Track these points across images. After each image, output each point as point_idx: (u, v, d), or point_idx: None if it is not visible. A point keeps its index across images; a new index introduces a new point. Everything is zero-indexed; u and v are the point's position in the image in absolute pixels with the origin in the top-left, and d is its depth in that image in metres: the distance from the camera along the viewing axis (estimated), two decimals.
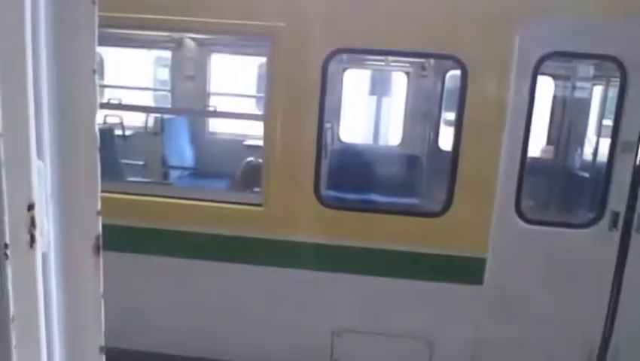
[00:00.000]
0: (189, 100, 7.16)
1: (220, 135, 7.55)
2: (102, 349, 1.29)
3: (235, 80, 8.25)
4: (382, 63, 6.41)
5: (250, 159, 6.44)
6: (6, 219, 0.94)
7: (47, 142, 1.06)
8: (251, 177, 6.18)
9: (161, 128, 6.57)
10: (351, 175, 5.48)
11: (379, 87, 7.28)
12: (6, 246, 0.95)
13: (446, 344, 3.96)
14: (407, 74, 6.58)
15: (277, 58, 3.76)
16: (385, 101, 7.48)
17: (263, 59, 7.84)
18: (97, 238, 1.23)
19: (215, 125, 7.61)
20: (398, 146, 6.79)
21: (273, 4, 3.82)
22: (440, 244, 3.82)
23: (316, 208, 3.86)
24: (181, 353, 4.11)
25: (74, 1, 1.08)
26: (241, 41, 6.10)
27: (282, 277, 3.96)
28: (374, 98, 7.36)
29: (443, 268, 3.86)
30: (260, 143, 6.77)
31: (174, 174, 6.65)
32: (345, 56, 5.79)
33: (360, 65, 6.73)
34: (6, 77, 0.91)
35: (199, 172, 6.97)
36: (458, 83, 3.77)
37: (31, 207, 1.02)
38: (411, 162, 6.35)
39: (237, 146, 7.10)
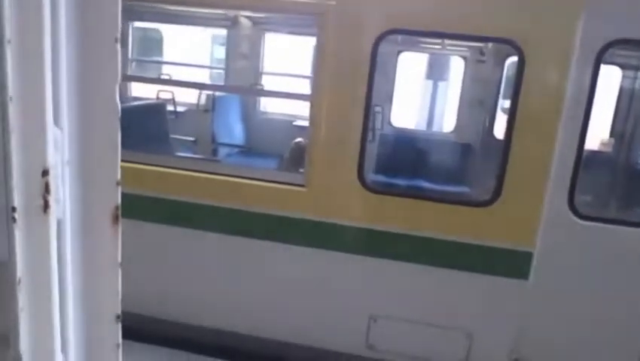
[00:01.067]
0: (242, 78, 7.20)
1: (271, 115, 7.57)
2: (118, 317, 1.30)
3: (288, 60, 8.23)
4: (439, 47, 6.22)
5: (299, 139, 6.43)
6: (14, 183, 0.95)
7: (65, 109, 1.05)
8: (299, 158, 6.18)
9: (212, 105, 6.64)
10: (399, 160, 5.37)
11: (433, 71, 7.08)
12: (14, 209, 0.95)
13: (486, 338, 3.85)
14: (464, 58, 6.36)
15: (325, 37, 3.69)
16: (439, 86, 7.28)
17: (314, 39, 7.84)
18: (116, 207, 1.23)
19: (266, 105, 7.64)
20: (451, 133, 6.60)
21: None
22: (486, 234, 3.68)
23: (359, 192, 3.80)
24: (214, 325, 4.18)
25: None
26: (294, 20, 6.06)
27: (321, 259, 3.94)
28: (428, 82, 7.18)
29: (488, 260, 3.72)
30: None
31: (223, 152, 6.73)
32: (399, 38, 5.65)
33: (415, 47, 6.55)
34: (22, 37, 0.91)
35: (249, 151, 7.03)
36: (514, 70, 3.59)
37: (45, 173, 1.02)
38: (464, 150, 6.16)
39: (287, 126, 7.11)
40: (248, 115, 7.40)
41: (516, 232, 3.66)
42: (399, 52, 6.30)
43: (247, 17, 6.63)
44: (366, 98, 3.69)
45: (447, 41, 5.75)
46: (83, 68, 1.08)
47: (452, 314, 3.89)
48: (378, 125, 5.65)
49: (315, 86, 3.85)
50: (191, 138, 6.50)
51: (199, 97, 6.69)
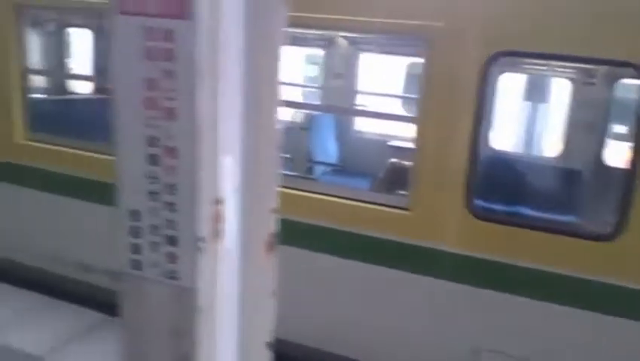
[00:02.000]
0: (337, 98, 7.25)
1: (366, 134, 7.56)
2: (269, 345, 1.29)
3: (382, 80, 8.21)
4: (545, 68, 5.95)
5: (394, 160, 6.36)
6: (201, 213, 0.96)
7: (235, 138, 1.07)
8: (395, 179, 6.12)
9: (309, 123, 6.72)
10: (503, 186, 5.16)
11: (537, 93, 6.78)
12: (200, 239, 0.97)
13: None
14: (572, 80, 6.04)
15: (433, 59, 3.62)
16: (542, 108, 6.97)
17: (412, 59, 7.77)
18: (271, 235, 1.23)
19: (361, 124, 7.64)
20: (556, 158, 6.26)
21: (432, 3, 3.69)
22: (606, 271, 3.42)
23: (466, 218, 3.67)
24: (315, 345, 4.15)
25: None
26: (392, 40, 6.02)
27: (422, 286, 3.83)
28: (531, 104, 6.88)
29: (607, 298, 3.46)
30: (406, 144, 6.74)
31: (318, 170, 6.78)
32: (502, 59, 5.47)
33: (519, 69, 6.31)
34: (209, 73, 0.93)
35: (343, 169, 7.04)
36: (631, 93, 3.33)
37: (219, 202, 1.04)
38: (571, 176, 5.82)
39: (381, 146, 7.06)
40: (343, 134, 7.43)
41: None
42: (500, 72, 6.09)
43: (344, 37, 6.69)
44: (474, 121, 3.57)
45: (553, 63, 5.48)
46: (249, 96, 1.09)
47: (562, 354, 3.64)
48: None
49: (421, 107, 3.78)
50: (287, 155, 6.60)
51: (296, 115, 6.80)
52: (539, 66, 6.12)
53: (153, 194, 0.98)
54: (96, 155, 4.58)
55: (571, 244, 3.54)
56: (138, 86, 0.93)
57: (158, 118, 0.93)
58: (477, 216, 3.68)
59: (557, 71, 6.15)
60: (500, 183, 5.19)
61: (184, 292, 0.99)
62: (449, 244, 3.74)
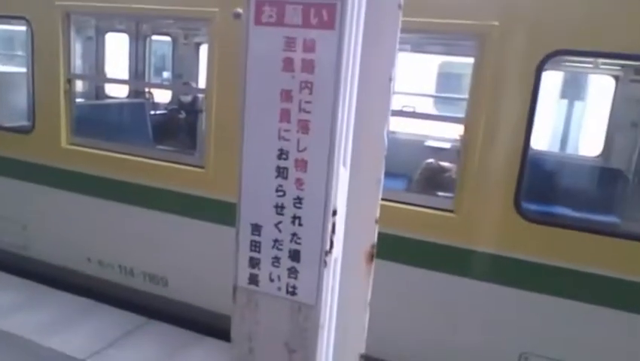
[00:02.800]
0: None
1: (400, 135, 7.48)
2: (362, 357, 1.27)
3: (421, 80, 8.14)
4: (590, 66, 5.82)
5: (430, 160, 6.29)
6: (326, 226, 0.95)
7: (349, 149, 1.05)
8: (430, 179, 6.05)
9: None
10: (548, 187, 5.05)
11: (578, 91, 6.65)
12: (326, 253, 0.95)
13: None
14: (616, 77, 5.90)
15: (486, 59, 3.55)
16: (581, 106, 6.82)
17: (449, 58, 7.68)
18: (372, 246, 1.21)
19: (395, 125, 7.56)
20: (597, 157, 6.13)
21: (485, 2, 3.62)
22: None
23: (515, 220, 3.60)
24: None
25: (382, 4, 1.06)
26: (436, 40, 5.94)
27: (469, 289, 3.77)
28: (571, 102, 6.75)
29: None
30: (443, 145, 6.65)
31: None
32: (553, 59, 5.37)
33: (561, 66, 6.19)
34: (343, 84, 0.91)
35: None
36: None
37: (334, 213, 1.02)
38: (612, 176, 5.68)
39: (417, 146, 6.98)
40: None
41: None
42: (549, 72, 5.97)
43: None
44: (527, 122, 3.50)
45: (599, 60, 5.36)
46: (363, 105, 1.07)
47: (611, 358, 3.55)
48: None
49: (471, 108, 3.71)
50: None
51: None
52: (584, 64, 5.99)
53: (279, 207, 0.96)
54: (132, 158, 4.64)
55: (623, 246, 3.45)
56: (274, 98, 0.91)
57: (291, 130, 0.91)
58: (526, 218, 3.61)
59: (603, 68, 6.02)
60: (544, 184, 5.09)
61: (304, 308, 0.98)
62: (496, 246, 3.68)
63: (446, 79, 7.73)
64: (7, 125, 5.46)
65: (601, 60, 5.40)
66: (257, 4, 0.89)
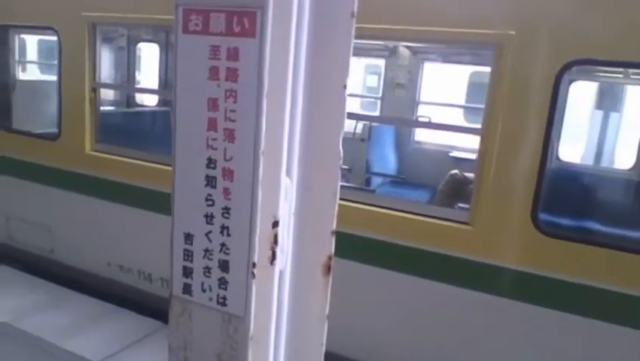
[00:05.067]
0: (398, 108, 7.15)
1: (425, 145, 7.41)
2: None
3: (444, 90, 8.05)
4: (620, 76, 5.63)
5: (454, 171, 6.19)
6: (257, 238, 0.93)
7: (295, 159, 1.03)
8: (454, 191, 5.94)
9: (368, 134, 6.66)
10: (571, 200, 4.89)
11: (609, 102, 6.43)
12: (254, 265, 0.94)
13: None
14: None
15: (502, 68, 3.48)
16: (613, 117, 6.60)
17: (474, 68, 7.58)
18: (329, 257, 1.18)
19: (421, 135, 7.50)
20: (630, 170, 5.91)
21: (502, 11, 3.56)
22: None
23: (532, 234, 3.49)
24: (359, 358, 4.08)
25: (333, 13, 1.04)
26: (457, 50, 5.89)
27: (484, 304, 3.68)
28: (601, 113, 6.54)
29: None
30: (468, 155, 6.55)
31: (376, 181, 6.69)
32: (574, 68, 5.23)
33: (590, 77, 6.01)
34: (271, 92, 0.90)
35: (402, 181, 6.92)
36: None
37: (275, 225, 1.00)
38: None
39: (442, 157, 6.90)
40: (402, 145, 7.32)
41: None
42: (571, 81, 5.82)
43: (406, 47, 6.59)
44: (545, 133, 3.40)
45: (631, 70, 5.18)
46: (312, 114, 1.05)
47: None
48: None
49: (487, 119, 3.64)
50: (345, 167, 6.56)
51: (355, 125, 6.75)
52: (614, 74, 5.81)
53: (208, 217, 0.95)
54: (157, 165, 4.72)
55: None
56: (202, 107, 0.91)
57: (218, 139, 0.90)
58: (544, 233, 3.50)
59: (633, 79, 5.81)
60: (567, 198, 4.93)
61: (234, 320, 0.96)
62: (513, 260, 3.58)
63: (469, 89, 7.62)
64: (37, 131, 5.65)
65: (632, 71, 5.23)
66: (185, 13, 0.89)
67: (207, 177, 0.95)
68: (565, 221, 4.46)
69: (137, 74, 7.95)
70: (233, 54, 0.88)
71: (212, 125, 0.92)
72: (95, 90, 5.04)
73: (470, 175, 5.67)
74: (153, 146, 5.50)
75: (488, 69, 3.84)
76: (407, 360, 4.02)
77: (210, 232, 0.96)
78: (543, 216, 3.56)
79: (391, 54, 7.05)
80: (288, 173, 1.03)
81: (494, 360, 3.73)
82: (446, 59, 7.04)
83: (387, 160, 7.10)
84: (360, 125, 6.67)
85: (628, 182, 5.70)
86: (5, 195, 5.75)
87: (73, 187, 5.24)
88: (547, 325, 3.54)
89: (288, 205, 1.05)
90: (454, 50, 6.02)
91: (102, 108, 5.60)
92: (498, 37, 3.45)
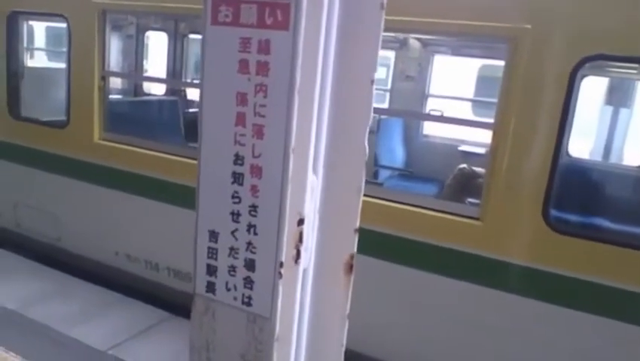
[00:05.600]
0: (407, 101, 7.10)
1: (434, 138, 7.36)
2: None
3: (455, 83, 7.99)
4: (634, 72, 5.56)
5: (463, 165, 6.15)
6: (284, 238, 0.90)
7: (322, 155, 1.00)
8: (463, 185, 5.90)
9: (376, 127, 6.61)
10: (582, 197, 4.85)
11: (621, 98, 6.37)
12: (281, 265, 0.91)
13: None
14: None
15: (517, 62, 3.43)
16: (625, 113, 6.54)
17: (486, 61, 7.51)
18: (351, 256, 1.15)
19: (430, 128, 7.45)
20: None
21: (518, 4, 3.51)
22: None
23: (543, 231, 3.46)
24: (368, 353, 4.07)
25: (363, 4, 1.01)
26: (469, 43, 5.83)
27: (493, 300, 3.65)
28: (612, 109, 6.48)
29: None
30: (477, 150, 6.51)
31: (384, 174, 6.66)
32: (589, 64, 5.18)
33: (603, 72, 5.94)
34: (301, 87, 0.87)
35: (410, 174, 6.88)
36: None
37: (301, 222, 0.98)
38: None
39: (450, 151, 6.85)
40: (411, 138, 7.27)
41: None
42: (583, 76, 5.75)
43: (417, 39, 6.53)
44: (559, 129, 3.36)
45: None
46: (339, 110, 1.03)
47: None
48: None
49: (500, 114, 3.59)
50: None
51: None
52: (629, 70, 5.74)
53: (235, 215, 0.93)
54: (166, 155, 4.70)
55: None
56: (230, 101, 0.88)
57: (246, 135, 0.88)
58: (555, 229, 3.46)
59: None
60: (578, 194, 4.89)
61: (259, 320, 0.94)
62: (522, 256, 3.55)
63: (483, 83, 7.55)
64: (45, 119, 5.64)
65: None
66: (214, 3, 0.86)
67: (234, 173, 0.92)
68: (576, 218, 4.43)
69: (145, 62, 7.91)
70: (265, 47, 0.85)
71: (241, 120, 0.89)
72: (104, 78, 5.01)
73: (479, 170, 5.64)
74: (162, 135, 5.48)
75: (499, 62, 3.78)
76: (412, 354, 4.01)
77: (236, 230, 0.93)
78: (554, 213, 3.53)
79: (401, 46, 6.98)
80: (314, 170, 1.00)
81: (501, 356, 3.72)
82: (457, 51, 6.97)
83: (395, 153, 7.05)
84: None
85: (638, 179, 5.66)
86: (14, 182, 5.75)
87: (81, 176, 5.22)
88: (556, 322, 3.52)
89: (313, 203, 1.02)
90: (465, 42, 5.95)
91: (110, 97, 5.57)
92: (513, 31, 3.40)
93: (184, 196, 4.65)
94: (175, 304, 4.85)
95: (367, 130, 1.05)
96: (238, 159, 0.91)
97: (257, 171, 0.90)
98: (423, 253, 3.84)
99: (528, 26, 3.36)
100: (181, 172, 4.64)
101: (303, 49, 0.86)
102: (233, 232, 0.94)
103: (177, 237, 4.76)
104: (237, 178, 0.92)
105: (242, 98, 0.88)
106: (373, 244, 3.95)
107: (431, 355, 3.94)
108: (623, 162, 6.54)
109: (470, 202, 4.49)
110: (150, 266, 5.02)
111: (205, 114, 0.92)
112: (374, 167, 6.46)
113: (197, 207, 0.98)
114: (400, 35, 6.50)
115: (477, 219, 3.67)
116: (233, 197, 0.93)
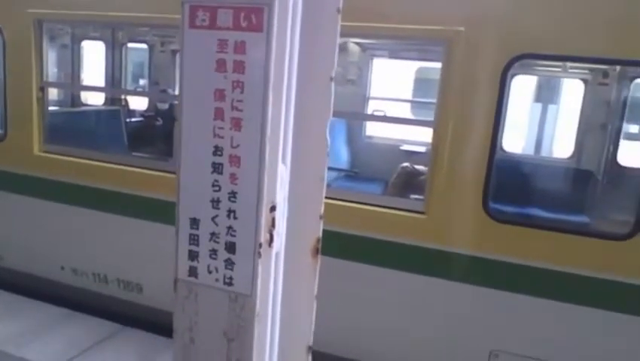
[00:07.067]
0: (349, 104, 7.27)
1: (376, 139, 7.57)
2: (309, 349, 1.32)
3: (395, 85, 8.24)
4: (559, 70, 5.96)
5: (405, 164, 6.37)
6: (262, 220, 0.99)
7: (289, 146, 1.10)
8: (406, 183, 6.12)
9: None
10: (516, 188, 5.16)
11: (548, 95, 6.79)
12: (260, 245, 1.00)
13: None
14: (585, 81, 6.05)
15: (452, 63, 3.64)
16: (553, 109, 6.97)
17: (423, 64, 7.81)
18: (317, 240, 1.25)
19: (372, 129, 7.65)
20: (569, 159, 6.27)
21: (451, 9, 3.72)
22: (623, 270, 3.43)
23: (484, 221, 3.68)
24: (320, 349, 4.15)
25: (321, 9, 1.11)
26: (406, 46, 6.05)
27: (439, 289, 3.84)
28: (541, 106, 6.89)
29: (621, 297, 3.46)
30: (418, 148, 6.75)
31: (330, 176, 6.78)
32: (518, 63, 5.51)
33: (531, 71, 6.33)
34: (273, 84, 0.96)
35: (355, 175, 7.05)
36: None
37: (273, 209, 1.07)
38: (584, 177, 5.82)
39: (393, 150, 7.07)
40: (354, 140, 7.45)
41: None
42: (513, 75, 6.10)
43: (356, 43, 6.72)
44: (494, 125, 3.59)
45: (568, 64, 5.50)
46: (303, 104, 1.12)
47: (578, 352, 3.64)
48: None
49: (439, 112, 3.80)
50: None
51: None
52: (553, 68, 6.13)
53: (215, 202, 1.00)
54: (109, 165, 4.65)
55: (587, 244, 3.55)
56: (208, 98, 0.96)
57: (225, 128, 0.96)
58: (495, 219, 3.69)
59: (570, 72, 6.16)
60: (512, 186, 5.20)
61: (241, 298, 1.02)
62: (465, 246, 3.75)
63: (422, 84, 7.84)
64: None
65: (569, 64, 5.54)
66: (192, 9, 0.94)
67: (214, 163, 1.00)
68: (513, 207, 4.71)
69: (82, 72, 7.72)
70: (240, 47, 0.93)
71: (219, 114, 0.97)
72: (43, 89, 4.90)
73: (421, 167, 5.88)
74: (105, 145, 5.38)
75: (436, 65, 3.98)
76: (362, 346, 4.13)
77: (217, 216, 1.01)
78: (493, 204, 3.75)
79: (341, 50, 7.15)
80: (284, 160, 1.10)
81: (449, 341, 3.90)
82: (396, 54, 7.20)
83: (340, 155, 7.20)
84: None
85: (567, 170, 6.06)
86: None
87: (21, 189, 5.06)
88: (498, 305, 3.74)
89: (283, 191, 1.11)
90: (403, 46, 6.18)
91: (49, 108, 5.42)
92: (448, 34, 3.60)
93: (130, 206, 4.61)
94: (127, 316, 4.78)
95: (329, 123, 1.15)
96: (217, 150, 0.99)
97: (235, 160, 0.98)
98: (372, 249, 3.98)
99: (462, 29, 3.57)
100: (126, 182, 4.59)
101: (277, 48, 0.95)
102: (213, 218, 1.02)
103: (125, 247, 4.71)
104: (217, 168, 1.00)
105: (220, 95, 0.96)
106: (324, 243, 4.05)
107: (383, 345, 4.08)
108: (551, 155, 6.97)
109: (414, 198, 4.68)
110: (98, 279, 4.92)
111: (184, 111, 1.00)
112: None
113: (178, 198, 1.05)
114: (340, 39, 6.65)
115: (422, 213, 3.85)
116: (213, 185, 1.01)
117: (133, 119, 7.34)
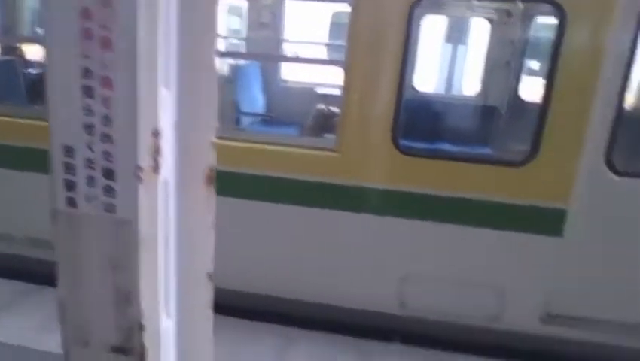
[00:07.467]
0: (264, 48, 7.15)
1: (292, 83, 7.54)
2: (209, 276, 1.33)
3: (308, 28, 8.15)
4: (465, 9, 6.11)
5: (321, 106, 6.42)
6: (140, 143, 0.96)
7: (173, 71, 1.06)
8: (322, 125, 6.19)
9: (234, 76, 6.61)
10: (426, 124, 5.35)
11: (457, 35, 6.98)
12: (139, 169, 0.97)
13: (518, 293, 3.91)
14: (490, 20, 6.26)
15: (361, 4, 3.66)
16: (462, 49, 7.19)
17: (336, 6, 7.75)
18: (211, 168, 1.24)
19: (286, 74, 7.60)
20: (476, 96, 6.55)
21: None
22: (519, 193, 3.71)
23: (393, 155, 3.82)
24: (247, 289, 4.24)
25: None
26: None
27: (354, 222, 3.99)
28: (451, 45, 7.09)
29: (521, 218, 3.76)
30: (332, 91, 6.80)
31: (246, 121, 6.72)
32: (424, 2, 5.58)
33: (439, 10, 6.45)
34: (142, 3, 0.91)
35: (271, 119, 7.03)
36: (544, 31, 3.54)
37: (156, 134, 1.04)
38: (489, 112, 6.13)
39: (308, 93, 7.09)
40: (270, 84, 7.37)
41: (550, 190, 3.69)
42: (421, 15, 6.21)
43: None
44: (401, 64, 3.68)
45: (474, 3, 5.65)
46: (185, 24, 1.07)
47: (484, 272, 3.95)
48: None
49: (349, 52, 3.82)
50: None
51: (221, 68, 6.65)
52: (460, 8, 6.28)
53: (88, 127, 0.97)
54: (5, 118, 4.36)
55: (488, 171, 3.79)
56: (73, 17, 0.90)
57: (93, 49, 0.91)
58: (403, 153, 3.83)
59: (477, 12, 6.34)
60: (423, 122, 5.39)
61: (124, 225, 1.00)
62: (377, 180, 3.89)
63: (335, 27, 7.82)
64: None
65: (476, 3, 5.70)
66: None
67: (83, 87, 0.95)
68: (422, 142, 4.90)
69: None
70: None
71: (88, 34, 0.92)
72: None
73: (336, 110, 5.94)
74: (1, 98, 5.00)
75: (346, 7, 3.97)
76: (281, 282, 4.24)
77: (91, 142, 0.98)
78: (402, 139, 3.89)
79: None
80: (167, 84, 1.07)
81: (363, 269, 4.08)
82: None
83: (255, 100, 7.13)
84: (225, 66, 6.60)
85: (475, 107, 6.34)
86: None
87: None
88: (407, 232, 3.94)
89: (168, 117, 1.09)
90: None
91: None
92: None
93: (33, 160, 4.35)
94: (37, 274, 4.60)
95: (215, 46, 1.12)
96: (87, 72, 0.95)
97: (107, 82, 0.94)
98: (289, 188, 4.03)
99: None
100: (26, 136, 4.32)
101: None
102: (88, 144, 0.98)
103: (30, 204, 4.46)
104: (87, 91, 0.96)
105: (86, 13, 0.91)
106: (241, 185, 4.05)
107: (296, 280, 4.20)
108: (462, 93, 7.24)
109: (326, 137, 4.76)
110: (2, 238, 4.69)
111: (48, 30, 0.93)
112: (235, 114, 6.49)
113: (50, 125, 1.00)
114: None
115: (334, 152, 3.92)
116: (84, 109, 0.97)
117: (32, 71, 6.84)
